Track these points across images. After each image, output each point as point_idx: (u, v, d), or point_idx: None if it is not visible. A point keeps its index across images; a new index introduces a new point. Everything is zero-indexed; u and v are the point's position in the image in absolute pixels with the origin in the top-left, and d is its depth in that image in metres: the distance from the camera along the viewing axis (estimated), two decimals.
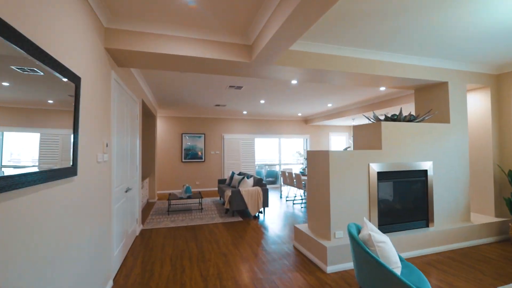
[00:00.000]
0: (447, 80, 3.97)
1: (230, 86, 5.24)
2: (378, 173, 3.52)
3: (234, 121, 9.65)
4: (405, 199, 3.65)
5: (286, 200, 7.39)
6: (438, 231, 3.61)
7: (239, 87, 5.31)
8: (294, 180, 6.86)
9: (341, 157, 3.33)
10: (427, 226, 3.75)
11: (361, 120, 8.93)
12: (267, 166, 10.33)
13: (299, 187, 6.57)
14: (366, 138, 3.78)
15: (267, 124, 10.05)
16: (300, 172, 7.39)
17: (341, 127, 11.05)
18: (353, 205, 3.34)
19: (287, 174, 7.32)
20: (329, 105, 7.54)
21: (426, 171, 3.76)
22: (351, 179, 3.34)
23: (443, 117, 4.06)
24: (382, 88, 5.53)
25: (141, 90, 4.85)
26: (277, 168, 10.34)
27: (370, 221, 3.40)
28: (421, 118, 3.81)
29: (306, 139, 10.59)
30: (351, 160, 3.37)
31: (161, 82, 5.21)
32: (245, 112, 8.74)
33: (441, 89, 4.08)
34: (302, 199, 7.26)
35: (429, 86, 4.24)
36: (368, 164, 3.45)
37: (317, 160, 3.52)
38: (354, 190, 3.34)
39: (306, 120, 10.43)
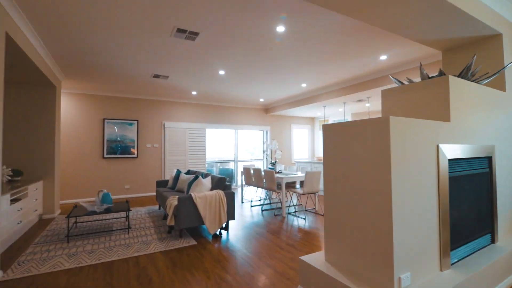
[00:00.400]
0: (502, 32, 2.81)
1: (179, 31, 3.27)
2: (450, 161, 2.09)
3: (180, 105, 7.52)
4: (470, 203, 2.32)
5: (251, 206, 5.69)
6: (506, 248, 2.37)
7: (193, 35, 3.38)
8: (264, 180, 5.20)
9: (404, 131, 1.78)
10: (493, 241, 2.50)
11: (332, 108, 7.80)
12: (219, 164, 8.46)
13: (270, 188, 4.94)
14: (421, 102, 2.32)
15: (222, 112, 8.19)
16: (270, 168, 5.78)
17: (304, 119, 9.89)
18: (419, 222, 1.82)
19: (252, 171, 5.62)
20: (303, 85, 6.13)
21: (490, 158, 2.51)
22: (414, 173, 1.82)
23: (496, 85, 2.91)
24: (383, 57, 4.28)
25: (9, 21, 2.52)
26: (232, 166, 8.56)
27: (440, 245, 1.94)
28: (484, 81, 2.55)
29: (266, 131, 9.08)
30: (415, 139, 1.85)
31: (59, 28, 2.96)
32: (194, 93, 6.74)
33: (490, 45, 2.91)
34: (270, 203, 5.66)
35: (467, 43, 3.05)
36: (437, 146, 1.98)
37: (355, 140, 1.90)
38: (417, 193, 1.83)
39: (267, 109, 8.92)
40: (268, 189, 5.05)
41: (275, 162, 5.76)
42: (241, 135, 8.69)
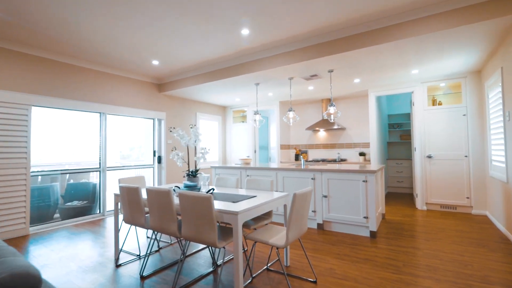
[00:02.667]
0: None
1: None
2: None
3: None
4: None
5: (142, 276, 2.52)
6: None
7: None
8: (184, 216, 2.22)
9: None
10: None
11: (266, 88, 5.50)
12: (68, 176, 4.53)
13: (206, 241, 2.04)
14: None
15: (73, 78, 4.35)
16: (187, 186, 2.79)
17: (214, 108, 7.20)
18: None
19: (142, 194, 2.49)
20: (245, 32, 3.51)
21: None
22: None
23: None
24: None
25: None
26: (94, 179, 4.80)
27: None
28: None
29: (160, 121, 5.80)
30: None
31: None
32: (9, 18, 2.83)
33: None
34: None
35: None
36: None
37: None
38: None
39: (162, 85, 5.67)
40: (201, 241, 2.12)
41: (196, 172, 2.85)
42: (115, 123, 5.06)
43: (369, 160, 5.78)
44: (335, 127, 5.92)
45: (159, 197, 2.36)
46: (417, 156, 4.94)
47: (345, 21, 3.24)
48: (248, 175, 4.49)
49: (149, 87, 5.52)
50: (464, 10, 2.78)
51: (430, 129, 4.87)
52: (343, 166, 4.04)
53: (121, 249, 3.19)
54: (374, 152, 5.38)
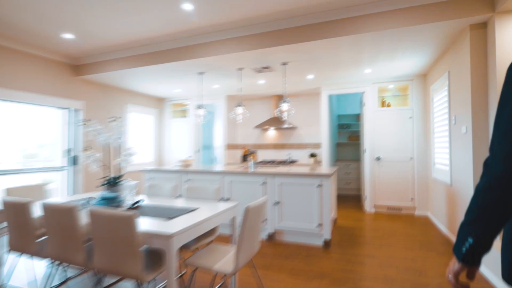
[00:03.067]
0: None
1: None
2: None
3: None
4: None
5: None
6: None
7: None
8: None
9: None
10: None
11: (212, 79, 5.07)
12: None
13: (127, 274, 1.58)
14: None
15: None
16: (106, 199, 2.24)
17: (149, 100, 6.47)
18: None
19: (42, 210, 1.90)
20: (187, 7, 3.06)
21: None
22: None
23: None
24: None
25: None
26: None
27: None
28: None
29: (78, 113, 4.90)
30: None
31: None
32: None
33: None
34: None
35: None
36: None
37: None
38: None
39: (80, 66, 4.78)
40: (120, 274, 1.64)
41: (117, 179, 2.32)
42: (16, 113, 4.05)
43: (320, 162, 5.84)
44: (286, 126, 5.82)
45: (59, 215, 1.80)
46: (367, 158, 5.13)
47: (305, 7, 3.06)
48: (188, 180, 4.03)
49: (60, 68, 4.59)
50: (428, 7, 2.84)
51: (379, 131, 5.09)
52: (295, 169, 3.89)
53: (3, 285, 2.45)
54: (325, 153, 5.43)
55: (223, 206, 2.25)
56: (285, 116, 4.10)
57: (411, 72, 4.71)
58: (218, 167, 4.51)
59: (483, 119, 2.84)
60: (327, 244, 3.30)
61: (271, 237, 3.55)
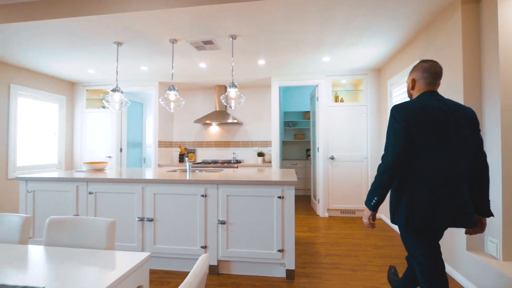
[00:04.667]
0: None
1: None
2: None
3: None
4: None
5: None
6: None
7: None
8: None
9: None
10: None
11: (189, 57, 3.62)
12: None
13: None
14: None
15: None
16: None
17: (54, 82, 4.62)
18: None
19: None
20: None
21: None
22: None
23: None
24: None
25: None
26: None
27: None
28: None
29: None
30: None
31: None
32: None
33: None
34: None
35: None
36: None
37: None
38: None
39: None
40: None
41: None
42: None
43: (270, 162, 4.90)
44: (230, 120, 4.71)
45: None
46: (320, 157, 4.37)
47: None
48: (92, 193, 2.60)
49: None
50: None
51: (333, 128, 4.37)
52: (242, 173, 2.83)
53: None
54: (275, 152, 4.50)
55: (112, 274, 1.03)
56: (232, 105, 2.99)
57: (366, 66, 4.09)
58: (147, 172, 3.16)
59: (477, 108, 2.19)
60: (290, 275, 2.31)
61: (214, 270, 2.40)
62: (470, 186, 1.38)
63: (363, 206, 4.25)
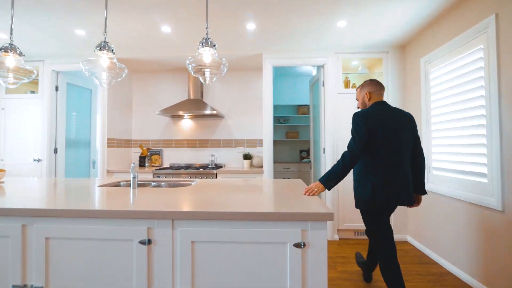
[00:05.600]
0: None
1: None
2: None
3: None
4: None
5: None
6: None
7: None
8: None
9: None
10: None
11: (144, 13, 2.32)
12: None
13: None
14: None
15: None
16: None
17: None
18: None
19: None
20: None
21: None
22: None
23: None
24: None
25: None
26: None
27: None
28: None
29: None
30: None
31: None
32: None
33: None
34: None
35: None
36: None
37: None
38: None
39: None
40: None
41: None
42: None
43: (259, 167, 3.72)
44: (208, 112, 3.50)
45: None
46: (328, 161, 3.27)
47: None
48: None
49: None
50: None
51: (344, 122, 3.29)
52: (224, 185, 1.65)
53: None
54: (268, 154, 3.34)
55: None
56: (207, 77, 1.80)
57: (388, 40, 3.06)
58: (71, 182, 1.88)
59: None
60: None
61: None
62: (412, 171, 1.78)
63: None
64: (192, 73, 1.78)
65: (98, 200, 1.41)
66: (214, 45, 1.75)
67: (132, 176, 1.84)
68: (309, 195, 1.49)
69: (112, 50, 1.82)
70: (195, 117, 3.95)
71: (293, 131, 5.37)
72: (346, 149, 3.34)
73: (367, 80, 1.90)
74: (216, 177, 3.33)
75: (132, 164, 1.81)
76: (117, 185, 2.17)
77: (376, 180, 1.68)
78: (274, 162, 5.07)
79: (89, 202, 1.35)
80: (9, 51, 1.82)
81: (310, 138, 4.06)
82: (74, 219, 1.23)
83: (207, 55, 1.74)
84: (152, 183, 2.22)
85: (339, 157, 3.27)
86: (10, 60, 1.85)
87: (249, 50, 3.31)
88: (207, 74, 1.79)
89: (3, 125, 3.58)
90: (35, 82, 3.83)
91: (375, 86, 1.86)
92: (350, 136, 3.48)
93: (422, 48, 2.87)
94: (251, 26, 2.70)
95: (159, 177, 3.36)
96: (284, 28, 2.75)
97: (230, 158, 3.97)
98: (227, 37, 2.98)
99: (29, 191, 1.68)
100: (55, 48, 3.27)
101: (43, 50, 3.30)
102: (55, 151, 3.57)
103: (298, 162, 5.13)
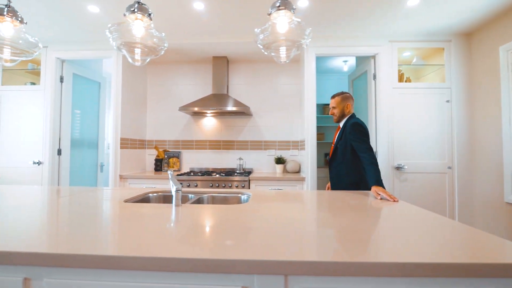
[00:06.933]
0: None
1: None
2: None
3: None
4: None
5: None
6: None
7: None
8: None
9: None
10: None
11: None
12: None
13: None
14: None
15: None
16: None
17: None
18: None
19: None
20: None
21: None
22: None
23: None
24: None
25: None
26: None
27: None
28: None
29: None
30: None
31: None
32: None
33: None
34: None
35: None
36: None
37: None
38: None
39: None
40: None
41: None
42: None
43: (295, 172, 3.21)
44: (234, 108, 2.99)
45: None
46: (381, 163, 2.77)
47: None
48: None
49: None
50: None
51: (399, 123, 2.81)
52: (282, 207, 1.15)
53: None
54: (311, 159, 2.83)
55: None
56: (282, 55, 1.30)
57: (452, 27, 2.60)
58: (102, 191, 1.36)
59: None
60: None
61: None
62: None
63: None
64: (263, 48, 1.28)
65: (137, 231, 0.89)
66: (293, 8, 1.25)
67: (173, 188, 1.32)
68: (394, 201, 1.44)
69: (150, 15, 1.32)
70: (219, 114, 3.44)
71: (318, 133, 4.88)
72: (402, 152, 2.95)
73: (345, 92, 2.02)
74: (249, 186, 2.82)
75: (169, 172, 1.31)
76: (145, 198, 1.66)
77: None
78: None
79: (128, 237, 0.84)
80: (5, 14, 1.31)
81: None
82: (108, 272, 0.71)
83: (283, 19, 1.24)
84: (190, 196, 1.71)
85: (394, 160, 2.78)
86: (7, 27, 1.33)
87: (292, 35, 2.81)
88: (283, 53, 1.28)
89: (4, 120, 3.03)
90: (36, 73, 3.31)
91: (352, 100, 2.02)
92: (406, 137, 2.94)
93: (500, 35, 2.41)
94: (303, 2, 2.21)
95: (181, 184, 2.83)
96: (342, 7, 2.27)
97: (259, 162, 3.46)
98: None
99: (25, 211, 1.15)
100: (61, 31, 2.75)
101: (47, 33, 2.78)
102: (59, 152, 3.03)
103: (322, 166, 4.64)
